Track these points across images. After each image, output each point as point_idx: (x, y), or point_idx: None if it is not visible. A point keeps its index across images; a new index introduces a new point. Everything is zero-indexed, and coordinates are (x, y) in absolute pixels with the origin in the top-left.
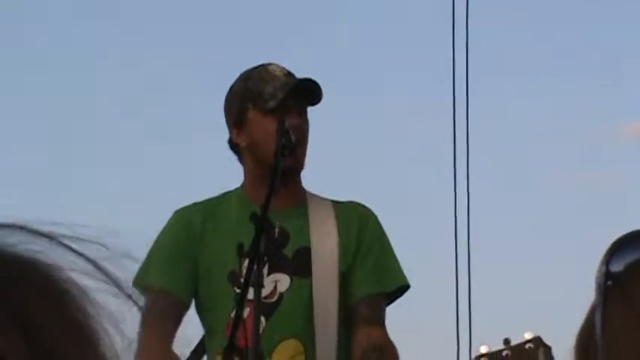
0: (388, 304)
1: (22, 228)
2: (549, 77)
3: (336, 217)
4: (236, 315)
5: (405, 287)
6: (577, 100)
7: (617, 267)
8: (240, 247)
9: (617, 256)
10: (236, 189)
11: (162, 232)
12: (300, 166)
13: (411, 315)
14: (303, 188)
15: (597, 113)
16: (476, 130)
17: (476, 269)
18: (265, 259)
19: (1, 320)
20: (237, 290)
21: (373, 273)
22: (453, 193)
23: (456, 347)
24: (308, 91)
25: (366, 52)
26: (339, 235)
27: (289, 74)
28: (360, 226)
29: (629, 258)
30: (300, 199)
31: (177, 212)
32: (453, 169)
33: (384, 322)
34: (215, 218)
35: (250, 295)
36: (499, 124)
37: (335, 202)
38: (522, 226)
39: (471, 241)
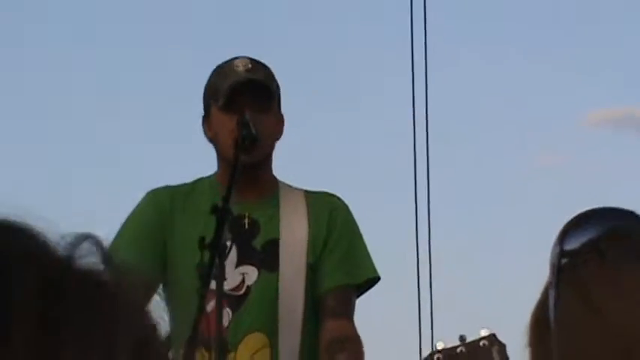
0: (358, 296)
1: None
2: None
3: (307, 207)
4: (198, 309)
5: (374, 279)
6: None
7: (571, 245)
8: (202, 239)
9: (571, 235)
10: (209, 176)
11: (133, 211)
12: (257, 160)
13: (375, 308)
14: (275, 179)
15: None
16: (436, 120)
17: (438, 260)
18: (227, 251)
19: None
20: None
21: (342, 264)
22: (414, 180)
23: (418, 342)
24: (257, 89)
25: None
26: (309, 226)
27: (252, 69)
28: (330, 217)
29: (583, 237)
30: (272, 190)
31: (149, 193)
32: (412, 153)
33: (351, 315)
34: (186, 203)
35: (213, 286)
36: (460, 109)
37: (307, 192)
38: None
39: (432, 232)
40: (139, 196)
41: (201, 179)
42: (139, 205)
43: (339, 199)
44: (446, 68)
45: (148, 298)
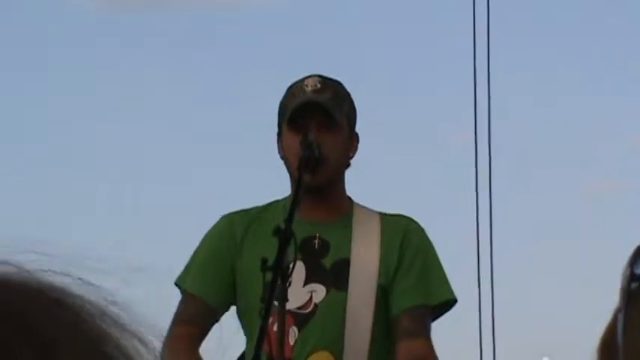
0: (434, 319)
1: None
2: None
3: (381, 229)
4: (261, 329)
5: (451, 302)
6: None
7: None
8: (264, 261)
9: None
10: (284, 198)
11: (206, 236)
12: (321, 182)
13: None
14: (349, 200)
15: None
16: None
17: (499, 286)
18: (289, 272)
19: (15, 343)
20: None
21: (416, 285)
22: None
23: None
24: (321, 108)
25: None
26: (381, 247)
27: (320, 89)
28: (403, 239)
29: None
30: (345, 211)
31: (222, 218)
32: (474, 181)
33: (428, 335)
34: (257, 227)
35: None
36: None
37: (382, 215)
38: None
39: (494, 260)
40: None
41: (275, 201)
42: (211, 230)
43: (414, 221)
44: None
45: (207, 325)
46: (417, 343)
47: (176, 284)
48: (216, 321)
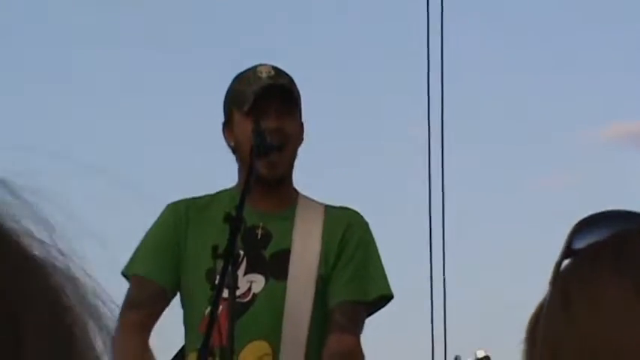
0: (370, 314)
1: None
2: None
3: (324, 221)
4: (211, 316)
5: (387, 297)
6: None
7: (578, 245)
8: (215, 248)
9: (579, 236)
10: (232, 188)
11: (153, 224)
12: (276, 172)
13: (385, 324)
14: (295, 191)
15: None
16: (451, 130)
17: (451, 275)
18: (240, 260)
19: None
20: (211, 290)
21: (353, 280)
22: (428, 194)
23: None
24: (282, 94)
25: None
26: (323, 239)
27: (275, 76)
28: (345, 231)
29: (591, 238)
30: (290, 202)
31: (169, 206)
32: (427, 169)
33: (358, 331)
34: (203, 215)
35: (225, 294)
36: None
37: (327, 207)
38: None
39: (446, 247)
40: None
41: (223, 191)
42: (158, 218)
43: (358, 214)
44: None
45: (160, 305)
46: (345, 337)
47: (122, 274)
48: (168, 303)
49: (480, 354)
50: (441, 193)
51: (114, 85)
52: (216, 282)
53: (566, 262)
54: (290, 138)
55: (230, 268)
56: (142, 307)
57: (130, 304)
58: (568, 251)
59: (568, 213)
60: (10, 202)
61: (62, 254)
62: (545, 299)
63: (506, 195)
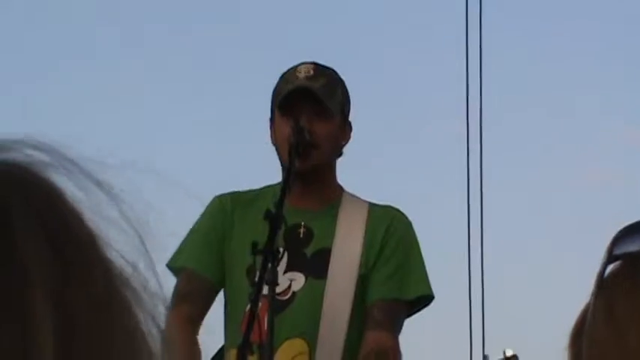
0: (410, 315)
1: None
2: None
3: (367, 220)
4: (250, 312)
5: (428, 298)
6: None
7: (621, 251)
8: (254, 244)
9: (621, 243)
10: (277, 184)
11: (199, 217)
12: (307, 167)
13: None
14: (339, 188)
15: None
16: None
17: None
18: (280, 256)
19: (29, 224)
20: (251, 287)
21: (392, 278)
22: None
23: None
24: (312, 95)
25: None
26: (365, 239)
27: (314, 76)
28: (386, 231)
29: (633, 246)
30: (333, 199)
31: (214, 199)
32: (466, 172)
33: (396, 329)
34: (248, 211)
35: (265, 291)
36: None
37: (371, 205)
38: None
39: (484, 250)
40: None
41: (268, 186)
42: (204, 212)
43: (401, 213)
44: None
45: (208, 299)
46: (382, 335)
47: (168, 266)
48: (215, 298)
49: (509, 352)
50: (480, 192)
51: None
52: (256, 279)
53: (609, 268)
54: (320, 139)
55: (270, 265)
56: (192, 301)
57: (180, 297)
58: (610, 258)
59: (609, 211)
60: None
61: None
62: (589, 307)
63: (543, 192)
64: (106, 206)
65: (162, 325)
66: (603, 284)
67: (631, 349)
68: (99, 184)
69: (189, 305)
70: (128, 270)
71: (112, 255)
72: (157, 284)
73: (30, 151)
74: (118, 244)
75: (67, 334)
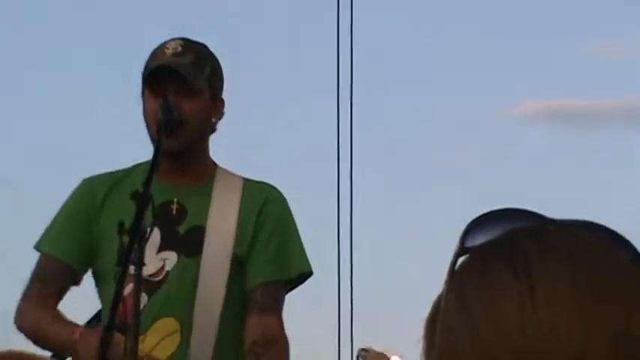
0: (289, 291)
1: None
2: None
3: (242, 196)
4: (115, 293)
5: (307, 274)
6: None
7: (471, 243)
8: (121, 224)
9: (471, 235)
10: (147, 161)
11: (67, 199)
12: (179, 147)
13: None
14: (213, 165)
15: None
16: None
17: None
18: (147, 236)
19: None
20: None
21: (272, 259)
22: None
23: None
24: (176, 72)
25: None
26: (239, 216)
27: (181, 53)
28: (262, 208)
29: (483, 237)
30: (207, 176)
31: (84, 181)
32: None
33: (279, 311)
34: (118, 190)
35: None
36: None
37: (246, 181)
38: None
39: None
40: None
41: (138, 165)
42: (72, 194)
43: (276, 190)
44: None
45: (64, 284)
46: (267, 319)
47: (35, 248)
48: (76, 282)
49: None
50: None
51: None
52: (122, 259)
53: (460, 260)
54: (188, 116)
55: (136, 244)
56: (46, 283)
57: (35, 278)
58: (462, 250)
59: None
60: None
61: None
62: (441, 298)
63: (411, 169)
64: None
65: None
66: (455, 275)
67: (484, 342)
68: None
69: (43, 286)
70: None
71: None
72: None
73: None
74: None
75: None
